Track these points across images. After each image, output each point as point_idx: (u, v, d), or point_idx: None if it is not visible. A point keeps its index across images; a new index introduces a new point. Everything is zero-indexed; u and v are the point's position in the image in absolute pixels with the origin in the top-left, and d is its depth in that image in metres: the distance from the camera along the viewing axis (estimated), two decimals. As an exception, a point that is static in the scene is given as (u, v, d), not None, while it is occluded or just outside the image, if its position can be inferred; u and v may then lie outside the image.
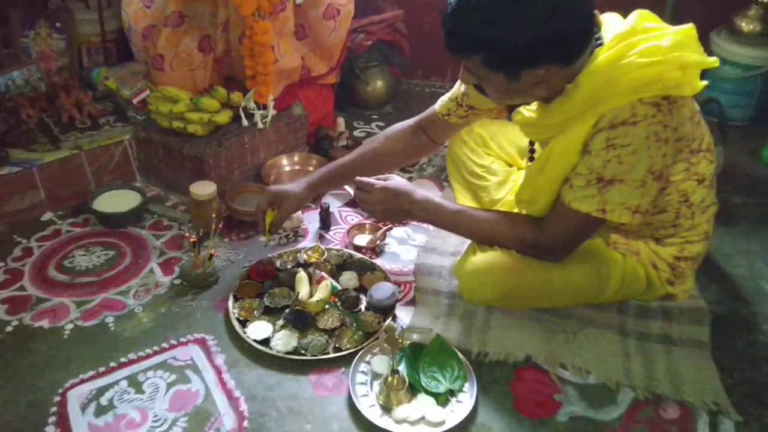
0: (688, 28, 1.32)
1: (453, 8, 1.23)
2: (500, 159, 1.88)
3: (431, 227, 1.83)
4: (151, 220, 1.86)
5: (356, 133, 2.34)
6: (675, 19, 2.07)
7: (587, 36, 1.27)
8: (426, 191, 1.55)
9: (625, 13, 1.34)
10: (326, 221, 1.85)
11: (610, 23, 1.32)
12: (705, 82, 1.35)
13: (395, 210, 1.51)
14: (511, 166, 1.88)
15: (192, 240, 1.60)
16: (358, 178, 1.54)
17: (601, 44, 1.29)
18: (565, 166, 1.34)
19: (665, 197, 1.40)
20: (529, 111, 1.41)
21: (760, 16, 2.16)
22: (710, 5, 2.28)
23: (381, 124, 2.40)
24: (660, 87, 1.25)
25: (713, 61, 1.33)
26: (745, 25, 2.17)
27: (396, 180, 1.53)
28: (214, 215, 1.65)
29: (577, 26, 1.23)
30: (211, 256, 1.60)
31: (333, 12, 2.01)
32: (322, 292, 1.52)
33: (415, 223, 1.88)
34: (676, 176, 1.36)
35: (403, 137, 1.69)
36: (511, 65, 1.25)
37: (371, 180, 1.53)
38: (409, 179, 2.09)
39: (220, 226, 1.69)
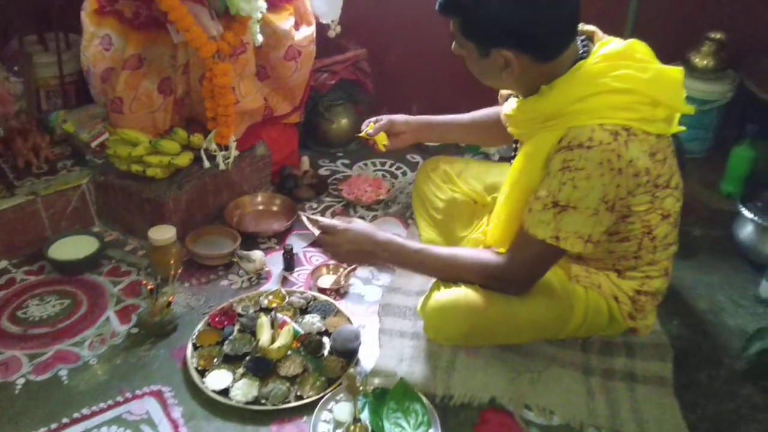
0: (676, 70, 1.36)
1: None
2: (466, 196, 1.88)
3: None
4: (109, 265, 1.82)
5: (321, 171, 2.34)
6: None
7: (561, 40, 1.31)
8: (389, 231, 1.55)
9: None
10: (290, 263, 1.83)
11: (605, 42, 1.36)
12: (681, 128, 1.38)
13: (358, 252, 1.51)
14: (476, 202, 1.89)
15: (149, 287, 1.56)
16: (320, 221, 1.54)
17: (586, 57, 1.32)
18: (530, 173, 1.38)
19: (628, 226, 1.41)
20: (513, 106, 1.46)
21: (712, 51, 2.21)
22: (665, 41, 2.30)
23: (346, 161, 2.40)
24: (625, 116, 1.28)
25: (689, 109, 1.36)
26: (699, 61, 2.22)
27: (358, 223, 1.55)
28: (172, 261, 1.62)
29: (548, 26, 1.28)
30: (169, 303, 1.57)
31: (294, 53, 2.01)
32: (283, 338, 1.49)
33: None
34: (639, 207, 1.38)
35: (497, 127, 1.69)
36: (481, 38, 1.31)
37: (334, 222, 1.53)
38: (374, 217, 2.09)
39: (180, 271, 1.66)
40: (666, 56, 2.33)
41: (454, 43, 1.40)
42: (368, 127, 1.81)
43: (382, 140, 1.80)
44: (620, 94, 1.28)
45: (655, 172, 1.34)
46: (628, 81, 1.28)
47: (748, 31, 2.29)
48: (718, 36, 2.20)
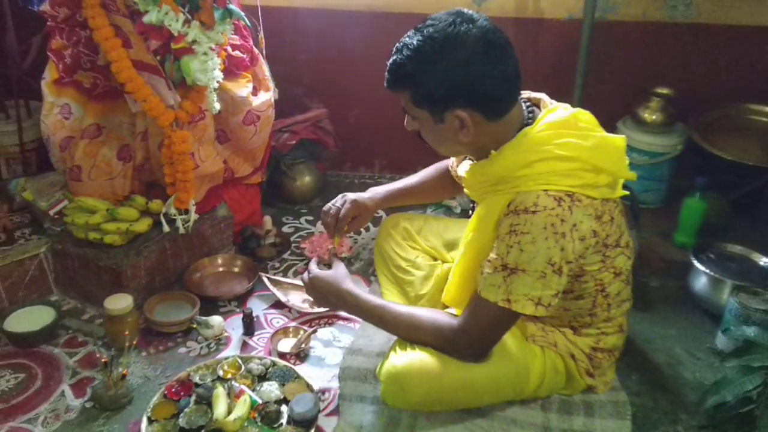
0: (618, 138, 1.41)
1: (396, 47, 1.36)
2: (426, 253, 1.90)
3: (357, 326, 1.83)
4: (65, 336, 1.79)
5: (285, 228, 2.35)
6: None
7: (509, 95, 1.36)
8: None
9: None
10: (249, 327, 1.82)
11: (548, 110, 1.41)
12: (625, 192, 1.43)
13: (323, 300, 1.54)
14: (436, 259, 1.91)
15: (103, 360, 1.54)
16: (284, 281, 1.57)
17: (532, 123, 1.36)
18: (483, 235, 1.41)
19: (582, 284, 1.44)
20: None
21: (660, 106, 2.30)
22: (614, 96, 2.43)
23: (310, 218, 2.42)
24: (568, 183, 1.32)
25: (631, 175, 1.41)
26: (648, 116, 2.30)
27: (328, 272, 1.55)
28: (127, 332, 1.61)
29: (497, 80, 1.32)
30: (124, 375, 1.55)
31: (253, 118, 2.04)
32: (240, 409, 1.48)
33: (341, 322, 1.87)
34: (591, 267, 1.41)
35: (448, 181, 1.76)
36: (435, 103, 1.34)
37: (311, 266, 1.57)
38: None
39: (136, 341, 1.64)
40: (616, 111, 2.45)
41: (406, 119, 1.43)
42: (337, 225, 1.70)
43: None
44: (564, 162, 1.32)
45: (603, 233, 1.37)
46: (570, 149, 1.33)
47: (693, 86, 2.38)
48: (665, 91, 2.29)
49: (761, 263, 1.95)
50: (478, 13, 1.34)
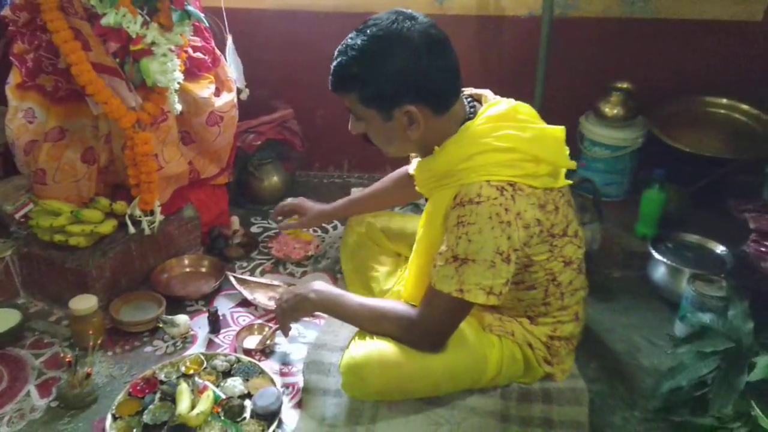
0: (557, 129, 1.45)
1: (338, 50, 1.38)
2: (390, 249, 1.94)
3: (322, 322, 1.85)
4: (32, 338, 1.80)
5: (254, 228, 2.37)
6: (543, 106, 2.25)
7: (453, 88, 1.41)
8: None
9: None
10: (215, 325, 1.84)
11: (489, 104, 1.45)
12: (568, 182, 1.46)
13: (292, 299, 1.59)
14: (399, 255, 1.94)
15: (68, 359, 1.56)
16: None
17: (473, 118, 1.39)
18: (433, 230, 1.45)
19: (532, 275, 1.48)
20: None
21: (621, 101, 2.34)
22: (576, 92, 2.47)
23: (279, 218, 2.43)
24: (509, 173, 1.36)
25: (571, 164, 1.45)
26: (609, 110, 2.35)
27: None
28: (91, 332, 1.62)
29: (440, 74, 1.36)
30: (88, 374, 1.56)
31: (216, 119, 2.06)
32: (203, 404, 1.50)
33: (306, 318, 1.89)
34: (539, 256, 1.45)
35: (409, 183, 1.78)
36: (382, 101, 1.37)
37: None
38: (304, 272, 2.12)
39: (101, 340, 1.66)
40: (579, 106, 2.49)
41: (351, 122, 1.46)
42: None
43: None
44: (503, 153, 1.36)
45: (548, 223, 1.41)
46: (509, 140, 1.37)
47: (652, 81, 2.43)
48: (625, 86, 2.33)
49: (717, 252, 2.00)
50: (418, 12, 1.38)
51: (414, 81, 1.34)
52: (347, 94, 1.40)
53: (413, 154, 1.69)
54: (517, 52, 2.44)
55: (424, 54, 1.33)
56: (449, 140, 1.40)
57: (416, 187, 1.58)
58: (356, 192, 2.07)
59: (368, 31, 1.34)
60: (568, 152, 1.45)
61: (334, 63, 1.39)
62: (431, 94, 1.37)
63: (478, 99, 1.48)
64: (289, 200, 2.08)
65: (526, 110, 1.45)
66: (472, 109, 1.44)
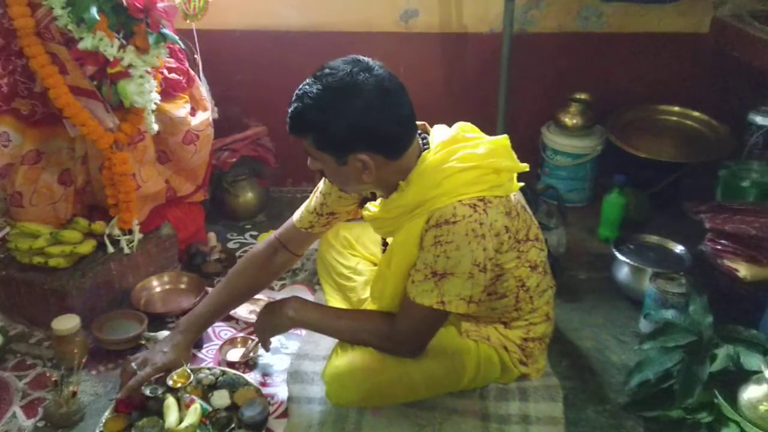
0: (502, 139, 1.52)
1: (296, 95, 1.40)
2: (366, 259, 1.99)
3: (303, 333, 1.89)
4: (14, 360, 1.80)
5: (230, 244, 2.40)
6: (507, 118, 2.34)
7: (407, 136, 1.44)
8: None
9: (455, 120, 1.53)
10: (198, 340, 1.86)
11: (437, 133, 1.51)
12: (521, 184, 1.54)
13: (269, 314, 1.61)
14: (375, 265, 1.99)
15: (53, 379, 1.57)
16: None
17: (428, 149, 1.46)
18: (407, 258, 1.47)
19: (503, 284, 1.55)
20: (374, 207, 1.55)
21: (579, 111, 2.45)
22: (537, 104, 2.58)
23: (254, 233, 2.48)
24: (477, 189, 1.42)
25: (523, 167, 1.52)
26: (568, 120, 2.46)
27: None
28: (76, 351, 1.64)
29: (394, 125, 1.40)
30: (75, 393, 1.58)
31: (192, 137, 2.10)
32: (190, 417, 1.52)
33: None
34: (509, 264, 1.51)
35: (263, 264, 1.74)
36: (336, 148, 1.40)
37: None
38: (283, 285, 2.16)
39: (85, 359, 1.68)
40: (540, 117, 2.60)
41: (309, 159, 1.49)
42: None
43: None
44: (468, 172, 1.42)
45: (513, 228, 1.48)
46: (469, 160, 1.43)
47: (609, 91, 2.55)
48: (583, 97, 2.45)
49: (676, 251, 2.10)
50: (373, 60, 1.41)
51: (366, 131, 1.38)
52: (303, 137, 1.43)
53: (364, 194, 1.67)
54: (480, 67, 2.53)
55: (377, 106, 1.36)
56: (413, 173, 1.44)
57: (375, 230, 1.61)
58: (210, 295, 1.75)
59: (324, 80, 1.36)
60: (515, 157, 1.52)
61: (291, 108, 1.41)
62: (384, 143, 1.41)
63: (425, 130, 1.54)
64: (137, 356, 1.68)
65: (468, 128, 1.52)
66: (424, 141, 1.49)
